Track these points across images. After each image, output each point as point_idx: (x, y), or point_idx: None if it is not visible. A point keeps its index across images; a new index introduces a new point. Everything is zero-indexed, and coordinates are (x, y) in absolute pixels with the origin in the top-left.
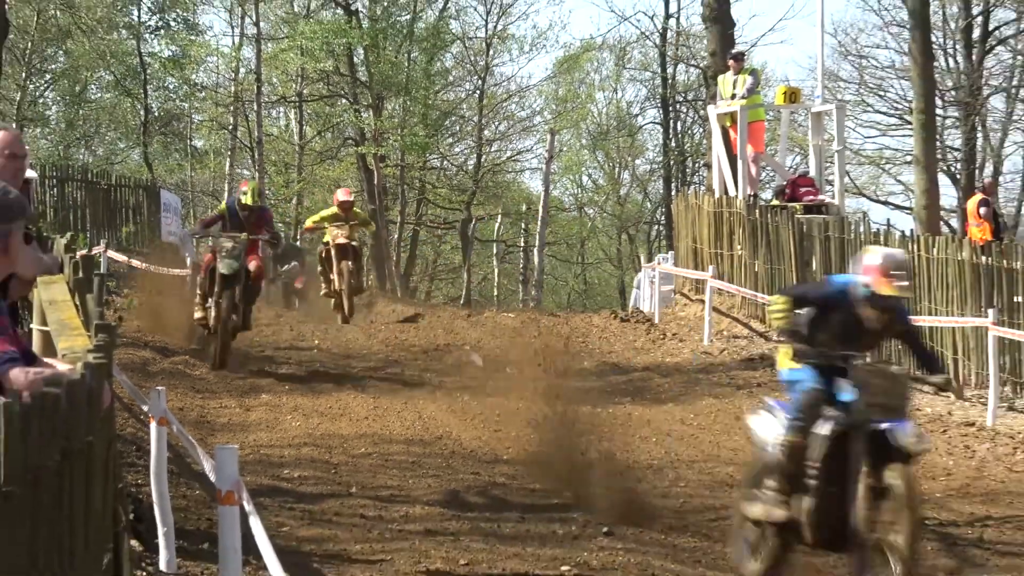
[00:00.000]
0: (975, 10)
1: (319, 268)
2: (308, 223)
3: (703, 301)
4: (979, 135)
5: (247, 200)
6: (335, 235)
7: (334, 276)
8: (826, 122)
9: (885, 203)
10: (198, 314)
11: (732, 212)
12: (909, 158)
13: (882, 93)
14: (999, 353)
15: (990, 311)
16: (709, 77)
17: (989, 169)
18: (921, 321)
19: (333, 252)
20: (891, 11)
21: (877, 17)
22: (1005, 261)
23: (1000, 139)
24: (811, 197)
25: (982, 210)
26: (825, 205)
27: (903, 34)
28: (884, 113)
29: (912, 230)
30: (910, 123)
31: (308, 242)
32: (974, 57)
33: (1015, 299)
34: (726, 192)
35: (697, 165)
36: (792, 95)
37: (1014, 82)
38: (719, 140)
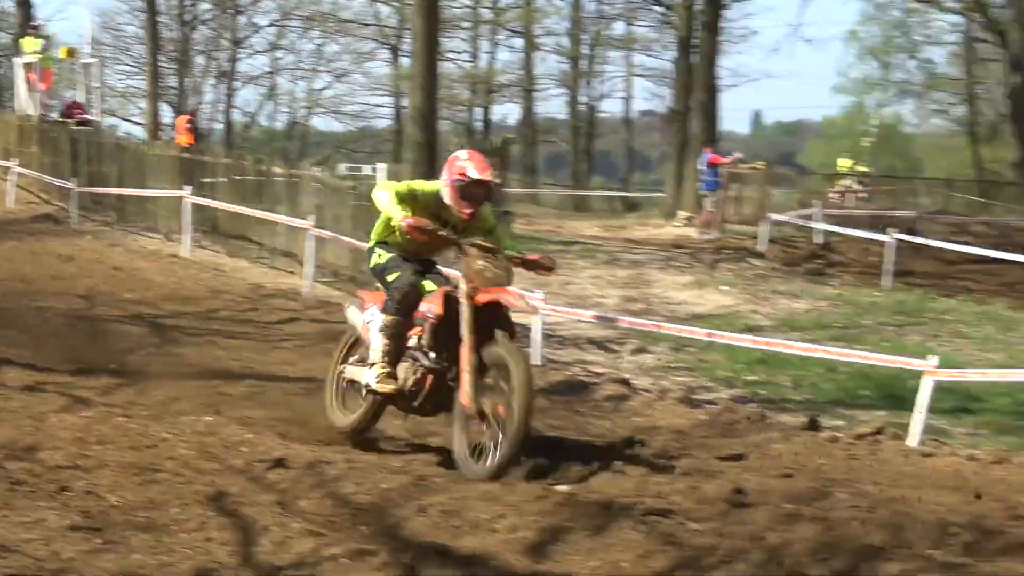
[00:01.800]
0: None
1: None
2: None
3: (10, 180)
4: (187, 80)
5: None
6: None
7: None
8: (92, 70)
9: (128, 121)
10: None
11: (31, 125)
12: (143, 93)
13: (127, 53)
14: (192, 212)
15: (187, 187)
16: (19, 40)
17: (195, 100)
18: (148, 192)
19: None
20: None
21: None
22: (198, 157)
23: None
24: (81, 116)
25: (187, 125)
26: (90, 122)
27: (141, 17)
28: (129, 65)
29: (144, 138)
30: (145, 72)
31: None
32: (189, 31)
33: (202, 180)
34: (27, 113)
35: (8, 95)
36: (72, 52)
37: (210, 48)
38: (22, 80)
